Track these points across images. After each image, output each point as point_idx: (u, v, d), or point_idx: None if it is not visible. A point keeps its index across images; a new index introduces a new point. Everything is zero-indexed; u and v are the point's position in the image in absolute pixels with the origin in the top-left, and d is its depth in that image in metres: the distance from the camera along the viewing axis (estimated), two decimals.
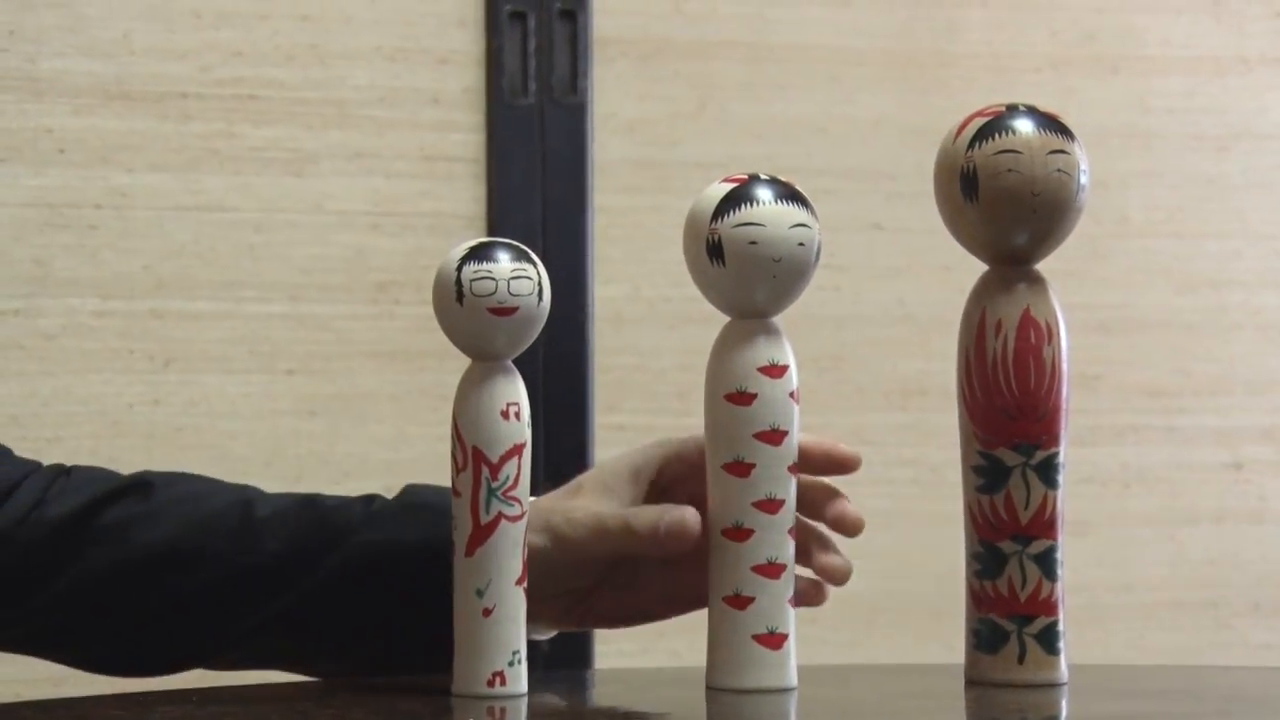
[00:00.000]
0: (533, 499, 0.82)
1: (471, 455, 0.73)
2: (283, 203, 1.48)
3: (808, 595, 0.81)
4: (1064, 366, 0.73)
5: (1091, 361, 1.61)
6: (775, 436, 0.73)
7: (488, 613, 0.73)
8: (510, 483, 0.73)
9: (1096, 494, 1.62)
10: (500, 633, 0.73)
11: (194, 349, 1.45)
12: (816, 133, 1.58)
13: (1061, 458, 0.73)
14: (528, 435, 0.74)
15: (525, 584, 0.74)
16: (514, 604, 0.73)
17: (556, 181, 1.51)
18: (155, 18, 1.45)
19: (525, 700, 0.73)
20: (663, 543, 0.77)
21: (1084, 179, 0.72)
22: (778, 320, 0.75)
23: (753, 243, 0.72)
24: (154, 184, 1.45)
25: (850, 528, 0.82)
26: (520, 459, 0.73)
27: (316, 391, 1.47)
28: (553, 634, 0.87)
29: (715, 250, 0.72)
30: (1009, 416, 0.73)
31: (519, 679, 0.74)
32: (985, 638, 0.74)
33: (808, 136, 1.57)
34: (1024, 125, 0.72)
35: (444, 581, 0.75)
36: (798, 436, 0.75)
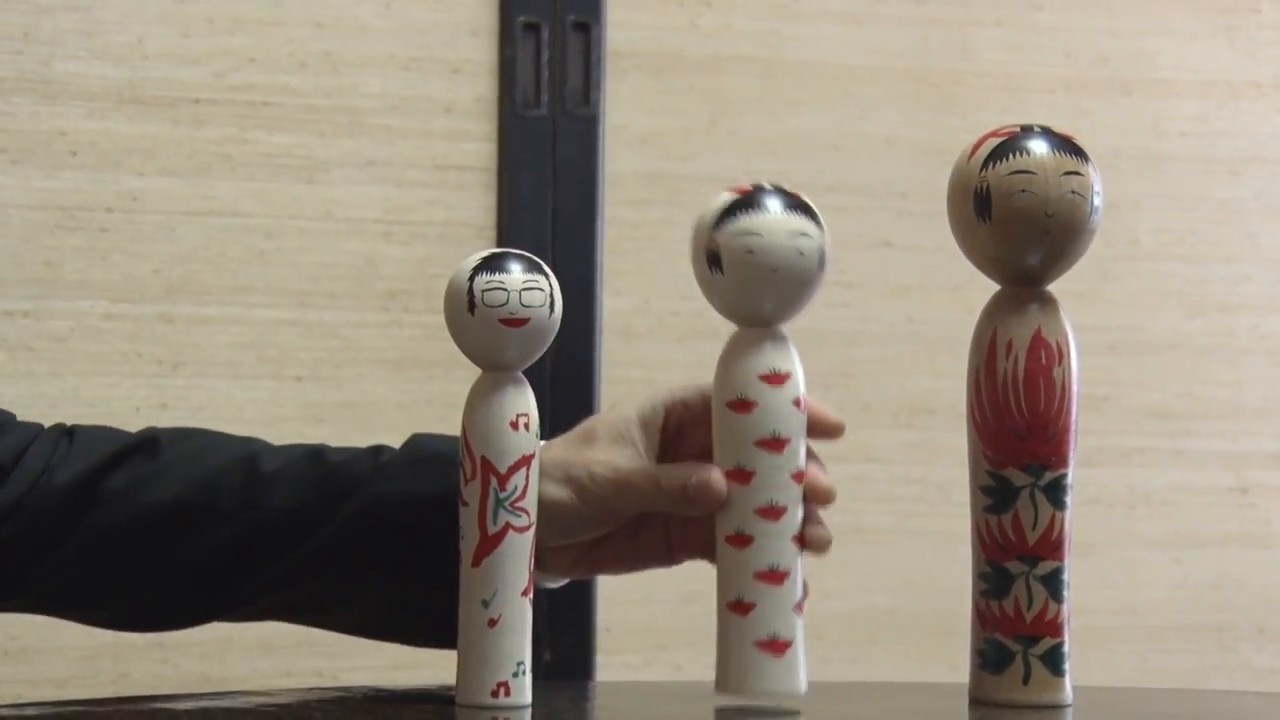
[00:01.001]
0: (543, 443, 0.82)
1: (480, 465, 0.73)
2: (293, 209, 1.48)
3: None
4: (1074, 388, 0.73)
5: (1100, 383, 1.61)
6: (776, 444, 0.73)
7: (493, 623, 0.73)
8: (518, 494, 0.73)
9: (1102, 515, 1.62)
10: (506, 643, 0.73)
11: (202, 354, 1.45)
12: (828, 149, 1.58)
13: (1070, 479, 0.73)
14: (537, 447, 0.74)
15: (531, 595, 0.74)
16: (520, 615, 0.73)
17: (567, 193, 1.51)
18: (169, 23, 1.46)
19: (529, 711, 0.74)
20: (692, 501, 0.77)
21: (1097, 200, 0.72)
22: (784, 329, 0.75)
23: (750, 252, 0.72)
24: (165, 188, 1.45)
25: (821, 497, 0.80)
26: (529, 470, 0.73)
27: (324, 399, 1.47)
28: (563, 582, 0.87)
29: (714, 259, 0.72)
30: (1019, 437, 0.73)
31: (523, 690, 0.74)
32: (990, 658, 0.74)
33: (819, 153, 1.57)
34: (1039, 146, 0.72)
35: (454, 532, 0.74)
36: (803, 444, 0.75)
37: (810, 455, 0.78)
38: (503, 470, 0.73)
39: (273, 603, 0.87)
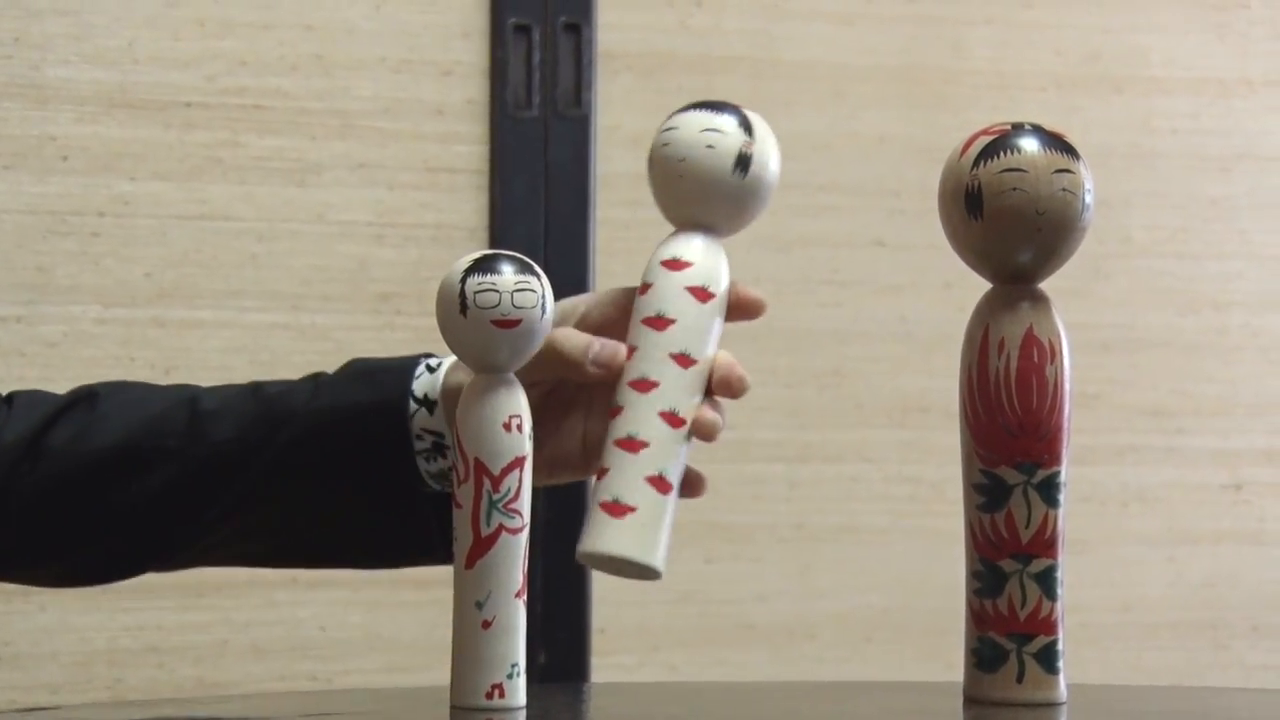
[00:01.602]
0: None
1: (473, 467, 0.73)
2: (285, 212, 1.48)
3: (690, 485, 0.78)
4: (1066, 386, 0.73)
5: (1092, 381, 1.61)
6: (660, 323, 0.75)
7: (487, 625, 0.73)
8: (511, 495, 0.73)
9: (1096, 513, 1.62)
10: (499, 645, 0.73)
11: (195, 358, 1.45)
12: (820, 149, 1.58)
13: (1063, 477, 0.73)
14: (529, 448, 0.74)
15: (525, 596, 0.74)
16: (514, 616, 0.73)
17: (559, 194, 1.51)
18: (160, 26, 1.46)
19: (523, 713, 0.74)
20: (590, 366, 0.77)
21: (1089, 198, 0.72)
22: (719, 241, 0.78)
23: (665, 145, 0.77)
24: (157, 192, 1.45)
25: (736, 384, 0.78)
26: (521, 471, 0.73)
27: None
28: None
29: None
30: (1011, 435, 0.73)
31: (517, 691, 0.74)
32: (984, 656, 0.74)
33: (811, 152, 1.57)
34: (1029, 144, 0.72)
35: (400, 440, 0.74)
36: (694, 333, 0.75)
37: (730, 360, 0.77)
38: (496, 472, 0.73)
39: (222, 538, 0.87)
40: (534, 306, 0.73)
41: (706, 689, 0.74)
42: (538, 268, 0.74)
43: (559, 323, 0.81)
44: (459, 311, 0.72)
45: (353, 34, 1.49)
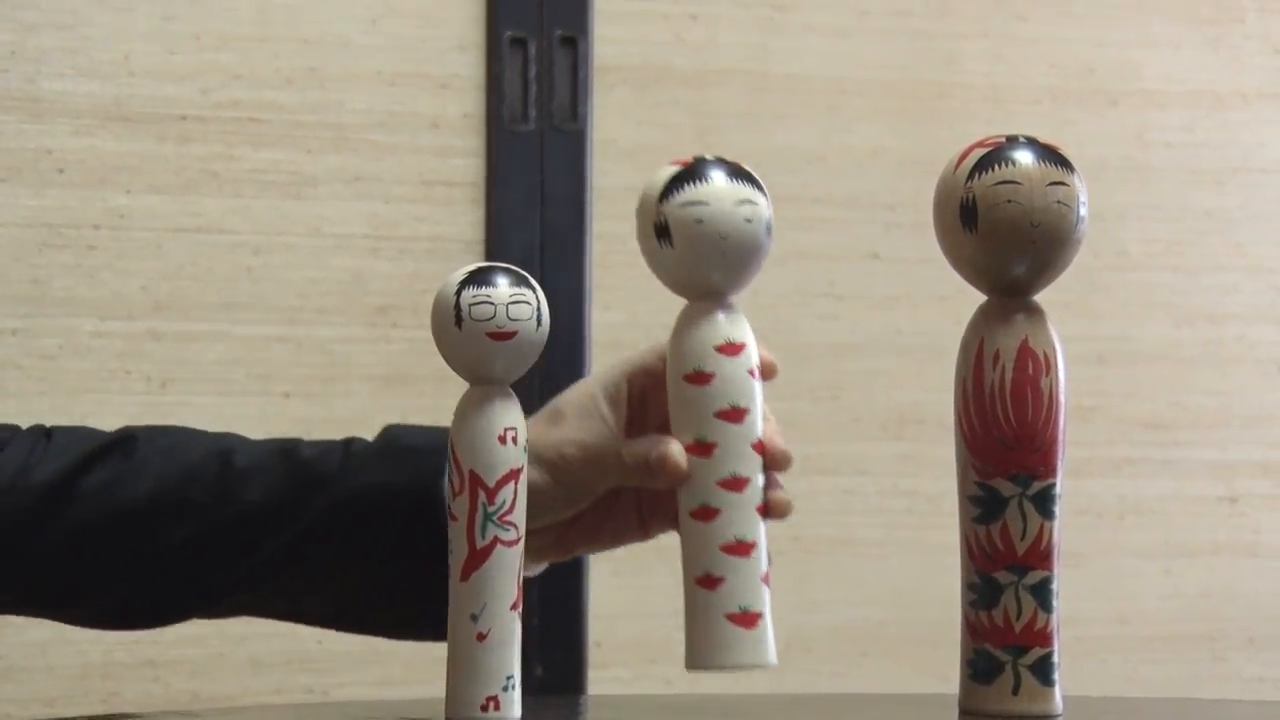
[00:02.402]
0: None
1: (468, 479, 0.73)
2: (281, 225, 1.48)
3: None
4: (1061, 398, 0.73)
5: (1088, 393, 1.61)
6: (736, 415, 0.73)
7: (482, 637, 0.73)
8: (506, 507, 0.73)
9: (1092, 525, 1.62)
10: (495, 657, 0.73)
11: (191, 370, 1.45)
12: (815, 162, 1.58)
13: (1058, 489, 0.73)
14: (525, 460, 0.74)
15: (520, 608, 0.74)
16: (509, 628, 0.73)
17: (555, 207, 1.51)
18: (155, 40, 1.46)
19: None
20: (654, 476, 0.77)
21: (1083, 211, 0.72)
22: (735, 299, 0.75)
23: (699, 221, 0.72)
24: (153, 205, 1.45)
25: (779, 463, 0.79)
26: (517, 484, 0.73)
27: (313, 414, 1.47)
28: (543, 568, 0.87)
29: (663, 231, 0.72)
30: (1006, 447, 0.73)
31: (513, 704, 0.74)
32: (980, 668, 0.73)
33: (806, 166, 1.58)
34: (1024, 156, 0.72)
35: (432, 524, 0.74)
36: (761, 414, 0.74)
37: (766, 419, 0.77)
38: (491, 484, 0.73)
39: (248, 598, 0.87)
40: (529, 319, 0.72)
41: (703, 703, 0.74)
42: (533, 280, 0.74)
43: (606, 400, 0.81)
44: (454, 324, 0.72)
45: (348, 47, 1.49)
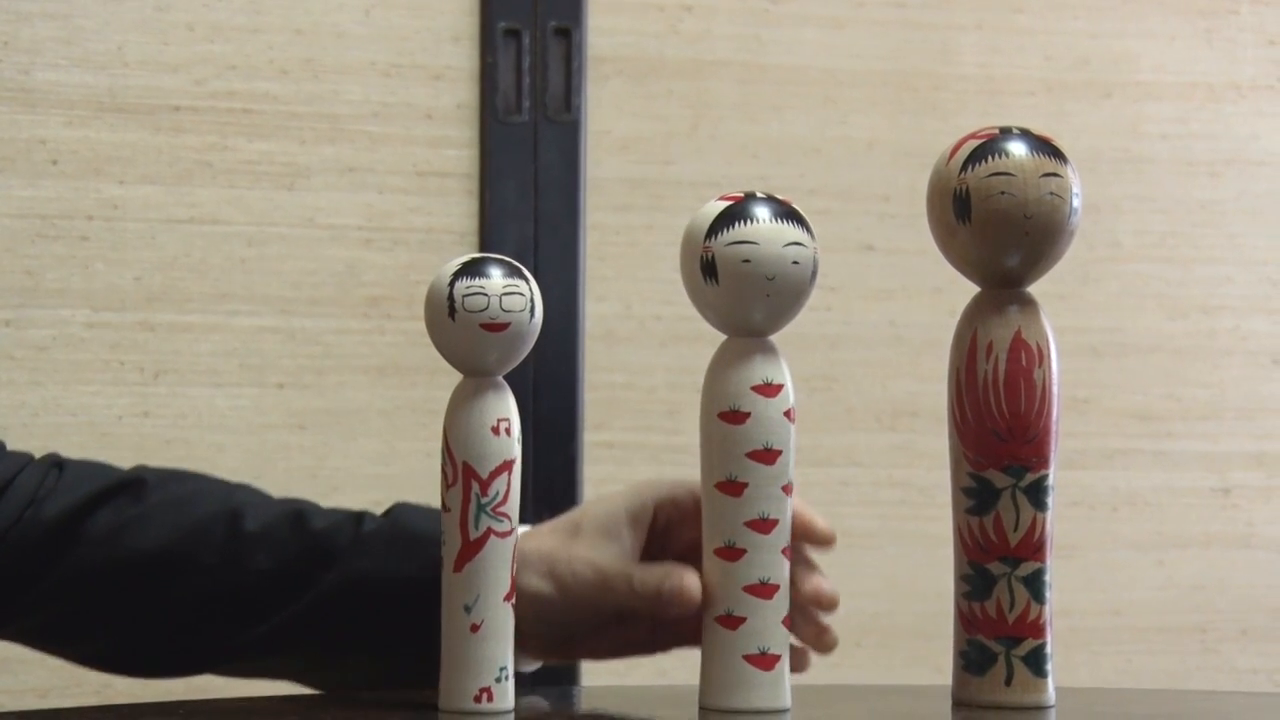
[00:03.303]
0: (526, 528, 0.82)
1: (462, 471, 0.73)
2: (275, 216, 1.48)
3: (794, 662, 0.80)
4: (1055, 389, 0.74)
5: (1081, 385, 1.61)
6: (769, 456, 0.73)
7: (475, 628, 0.73)
8: (500, 499, 0.73)
9: (1085, 517, 1.62)
10: (488, 649, 0.73)
11: (184, 362, 1.45)
12: (810, 153, 1.58)
13: (1051, 480, 0.74)
14: (518, 452, 0.74)
15: (513, 600, 0.74)
16: (502, 620, 0.73)
17: (549, 199, 1.51)
18: (149, 30, 1.46)
19: (512, 716, 0.73)
20: (665, 606, 0.78)
21: (1077, 202, 0.73)
22: (774, 339, 0.75)
23: (746, 261, 0.72)
24: (146, 196, 1.45)
25: (826, 604, 0.82)
26: (510, 475, 0.73)
27: (306, 406, 1.47)
28: (538, 666, 0.88)
29: (709, 268, 0.72)
30: (999, 438, 0.73)
31: (506, 695, 0.74)
32: (973, 659, 0.74)
33: (801, 157, 1.57)
34: (1017, 148, 0.72)
35: (435, 611, 0.75)
36: (794, 456, 0.74)
37: (810, 565, 0.78)
38: (484, 475, 0.73)
39: (251, 666, 0.88)
40: (522, 310, 0.73)
41: (697, 695, 0.74)
42: (526, 271, 0.74)
43: (628, 523, 0.82)
44: (447, 315, 0.72)
45: (342, 38, 1.49)
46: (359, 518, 0.87)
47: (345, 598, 0.84)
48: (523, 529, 0.84)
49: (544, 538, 0.84)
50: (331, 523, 0.87)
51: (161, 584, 0.85)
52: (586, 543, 0.83)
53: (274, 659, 0.87)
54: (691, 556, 0.77)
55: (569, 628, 0.84)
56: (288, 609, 0.84)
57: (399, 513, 0.88)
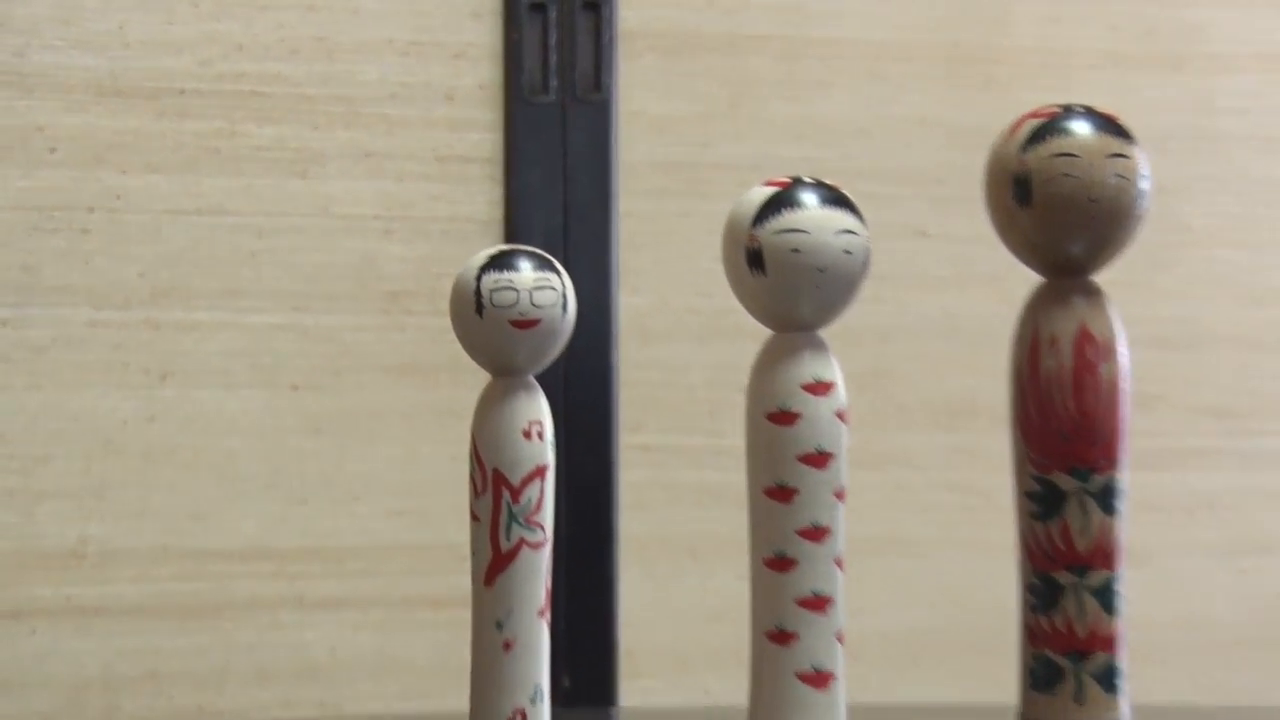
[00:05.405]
0: None
1: (492, 478, 0.73)
2: (287, 206, 1.48)
3: None
4: (1124, 385, 0.74)
5: (1152, 380, 1.61)
6: (820, 459, 0.73)
7: (508, 646, 0.73)
8: (533, 507, 0.74)
9: (1159, 522, 1.62)
10: (522, 667, 0.74)
11: (192, 362, 1.46)
12: (858, 133, 1.58)
13: (1122, 483, 0.74)
14: (551, 457, 0.74)
15: (548, 615, 0.74)
16: (536, 635, 0.74)
17: (579, 184, 1.52)
18: (151, 9, 1.46)
19: None
20: None
21: (1145, 184, 0.73)
22: (823, 334, 0.75)
23: (795, 250, 0.72)
24: (150, 186, 1.46)
25: None
26: (543, 481, 0.74)
27: (322, 408, 1.48)
28: None
29: (755, 259, 0.73)
30: (1065, 438, 0.73)
31: (541, 716, 0.74)
32: (1040, 676, 0.74)
33: (848, 137, 1.58)
34: (1082, 127, 0.72)
35: None
36: (846, 459, 0.75)
37: None
38: (515, 482, 0.73)
39: None
40: (554, 305, 0.73)
41: (742, 716, 0.75)
42: (558, 264, 0.74)
43: None
44: (474, 311, 0.73)
45: (357, 15, 1.50)
46: None
47: None
48: None
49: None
50: None
51: None
52: None
53: None
54: None
55: None
56: None
57: None
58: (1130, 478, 0.74)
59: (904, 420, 1.58)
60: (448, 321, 0.75)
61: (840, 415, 0.74)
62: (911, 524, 1.58)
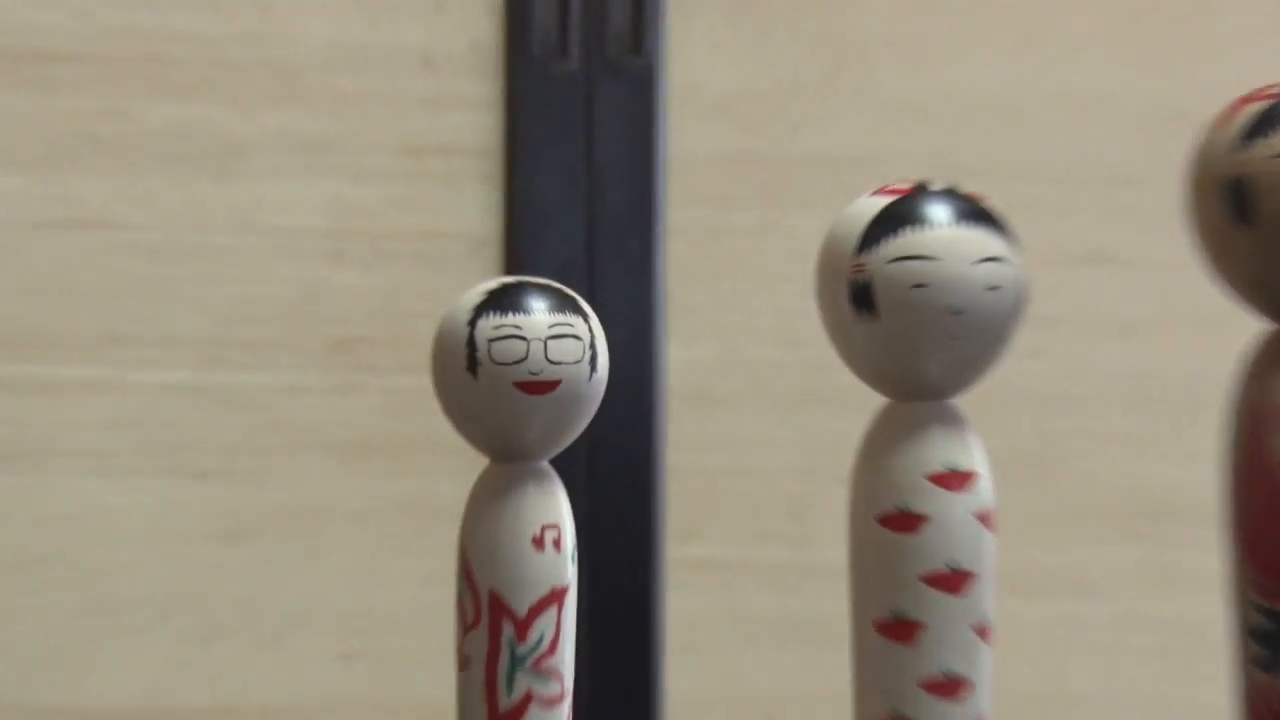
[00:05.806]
0: None
1: (488, 604, 0.74)
2: (195, 218, 1.49)
3: None
4: None
5: None
6: (955, 580, 0.74)
7: None
8: (546, 647, 0.74)
9: None
10: None
11: (61, 438, 1.47)
12: (1003, 115, 1.59)
13: None
14: (572, 575, 0.75)
15: None
16: None
17: (610, 188, 1.52)
18: None
19: None
20: None
21: None
22: (959, 403, 0.75)
23: (920, 285, 0.73)
24: (4, 189, 1.47)
25: None
26: (561, 610, 0.74)
27: (243, 504, 1.48)
28: None
29: (862, 296, 0.73)
30: None
31: None
32: None
33: (995, 124, 1.58)
34: None
35: None
36: (993, 582, 0.75)
37: None
38: (522, 611, 0.74)
39: None
40: (577, 361, 0.74)
41: None
42: (583, 302, 0.75)
43: None
44: (465, 369, 0.73)
45: None
46: None
47: None
48: None
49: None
50: None
51: None
52: None
53: None
54: None
55: None
56: None
57: None
58: None
59: (1077, 527, 1.58)
60: (424, 382, 0.76)
61: (983, 519, 0.74)
62: (1086, 672, 1.58)
